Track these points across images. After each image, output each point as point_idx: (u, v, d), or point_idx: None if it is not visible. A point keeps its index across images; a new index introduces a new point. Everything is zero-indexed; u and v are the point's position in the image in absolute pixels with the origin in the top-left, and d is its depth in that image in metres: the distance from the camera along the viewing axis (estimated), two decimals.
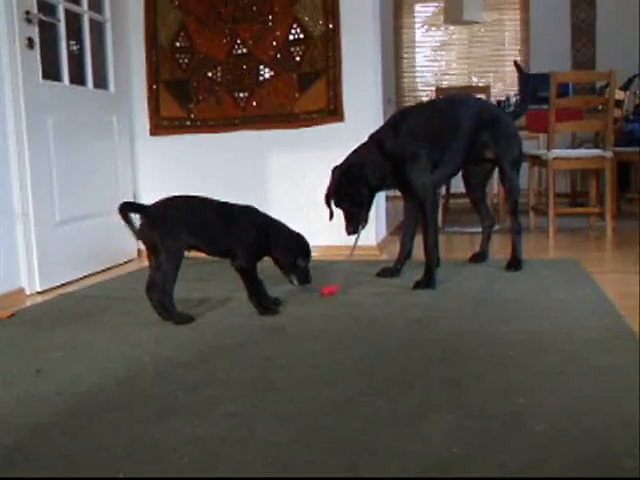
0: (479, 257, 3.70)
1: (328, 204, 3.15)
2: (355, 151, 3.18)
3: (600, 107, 4.83)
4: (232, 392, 1.82)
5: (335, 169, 3.14)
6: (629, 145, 5.48)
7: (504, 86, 8.20)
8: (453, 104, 3.45)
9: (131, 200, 2.62)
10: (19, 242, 3.28)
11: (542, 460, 1.36)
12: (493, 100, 6.07)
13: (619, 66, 5.61)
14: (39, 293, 3.31)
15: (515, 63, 4.09)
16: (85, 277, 3.68)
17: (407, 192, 3.29)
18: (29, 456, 1.47)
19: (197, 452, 1.46)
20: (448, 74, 8.53)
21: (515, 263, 3.46)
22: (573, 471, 1.32)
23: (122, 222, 2.47)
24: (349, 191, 3.06)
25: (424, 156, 3.14)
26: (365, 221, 3.12)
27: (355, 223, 3.06)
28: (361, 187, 3.07)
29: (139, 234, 2.54)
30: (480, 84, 8.07)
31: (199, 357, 2.14)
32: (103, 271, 3.86)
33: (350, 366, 2.01)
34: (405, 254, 3.44)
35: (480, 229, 3.72)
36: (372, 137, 3.23)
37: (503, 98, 6.99)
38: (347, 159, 3.13)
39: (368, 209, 3.14)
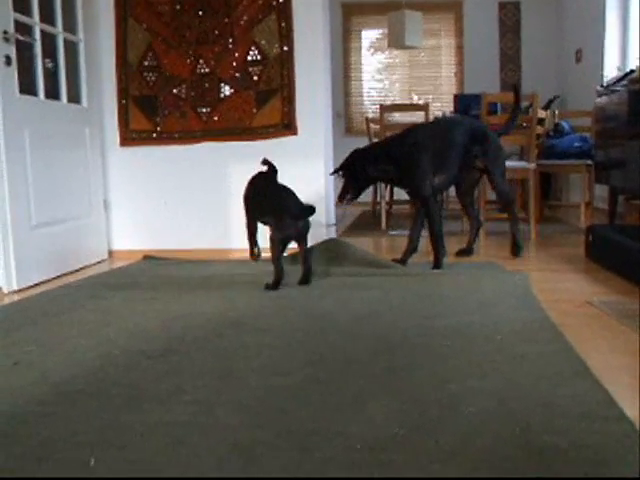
0: (465, 252, 3.93)
1: (336, 171, 3.52)
2: (371, 145, 3.66)
3: (525, 124, 4.92)
4: (195, 381, 1.81)
5: (354, 151, 3.47)
6: (550, 158, 5.61)
7: (441, 103, 8.31)
8: (451, 123, 3.72)
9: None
10: None
11: (471, 438, 1.39)
12: (431, 116, 6.14)
13: (541, 89, 5.74)
14: (16, 292, 3.24)
15: (514, 86, 4.16)
16: (59, 277, 3.62)
17: (411, 192, 3.54)
18: (8, 440, 1.44)
19: (162, 437, 1.45)
20: (391, 92, 8.61)
21: (517, 249, 3.84)
22: (499, 446, 1.34)
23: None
24: (351, 168, 3.41)
25: (425, 163, 3.40)
26: (354, 197, 3.46)
27: (343, 195, 3.46)
28: (361, 170, 3.41)
29: None
30: (420, 102, 8.16)
31: (166, 350, 2.13)
32: (76, 271, 3.80)
33: (303, 357, 2.01)
34: (411, 249, 3.66)
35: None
36: (384, 140, 3.65)
37: (440, 114, 7.10)
38: (365, 148, 3.53)
39: (360, 188, 3.46)
